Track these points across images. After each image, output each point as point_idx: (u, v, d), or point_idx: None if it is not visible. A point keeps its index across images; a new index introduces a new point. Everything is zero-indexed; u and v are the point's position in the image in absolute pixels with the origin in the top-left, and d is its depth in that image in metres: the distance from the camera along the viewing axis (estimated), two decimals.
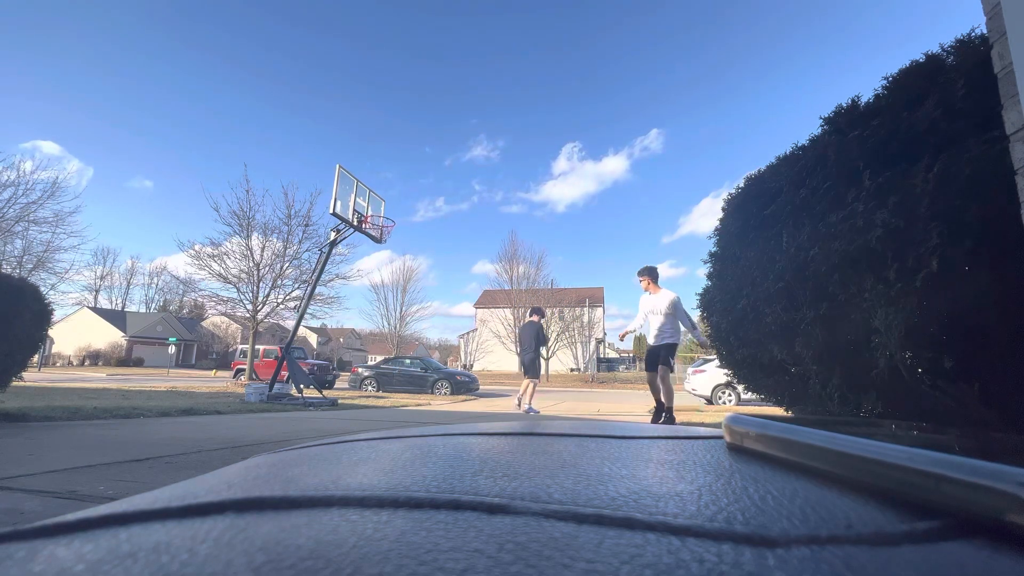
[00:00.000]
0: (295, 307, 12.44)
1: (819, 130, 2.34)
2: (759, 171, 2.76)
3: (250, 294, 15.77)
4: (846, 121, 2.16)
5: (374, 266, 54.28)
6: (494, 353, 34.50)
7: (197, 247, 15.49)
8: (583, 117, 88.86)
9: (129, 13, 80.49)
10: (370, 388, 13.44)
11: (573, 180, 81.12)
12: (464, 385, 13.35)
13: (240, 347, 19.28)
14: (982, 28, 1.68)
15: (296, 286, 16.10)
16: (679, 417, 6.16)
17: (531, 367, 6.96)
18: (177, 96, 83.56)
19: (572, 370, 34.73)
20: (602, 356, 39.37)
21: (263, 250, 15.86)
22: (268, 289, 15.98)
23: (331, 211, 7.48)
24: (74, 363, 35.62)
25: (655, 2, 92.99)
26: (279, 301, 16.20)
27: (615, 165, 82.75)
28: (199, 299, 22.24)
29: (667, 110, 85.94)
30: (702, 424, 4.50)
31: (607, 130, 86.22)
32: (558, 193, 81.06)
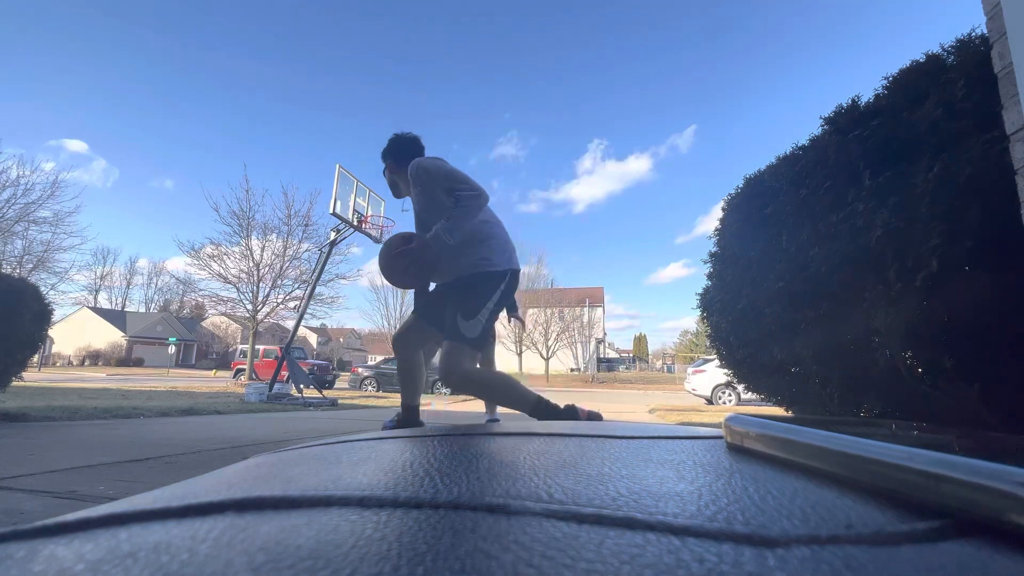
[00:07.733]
0: (295, 307, 12.45)
1: (819, 130, 2.34)
2: (759, 171, 2.76)
3: (250, 294, 15.78)
4: (846, 121, 2.16)
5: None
6: None
7: (202, 248, 15.53)
8: (612, 112, 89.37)
9: (149, 14, 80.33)
10: (370, 388, 13.45)
11: (595, 180, 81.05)
12: None
13: (240, 347, 19.29)
14: (982, 28, 1.68)
15: (296, 286, 16.11)
16: (679, 417, 6.10)
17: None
18: (190, 96, 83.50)
19: (572, 370, 34.73)
20: (602, 356, 39.41)
21: (263, 250, 15.89)
22: (268, 289, 15.99)
23: (331, 211, 7.47)
24: (74, 363, 35.60)
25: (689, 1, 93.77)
26: (279, 301, 16.21)
27: (638, 164, 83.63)
28: (199, 299, 22.28)
29: (696, 108, 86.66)
30: (702, 424, 4.50)
31: (635, 125, 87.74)
32: (578, 193, 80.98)
